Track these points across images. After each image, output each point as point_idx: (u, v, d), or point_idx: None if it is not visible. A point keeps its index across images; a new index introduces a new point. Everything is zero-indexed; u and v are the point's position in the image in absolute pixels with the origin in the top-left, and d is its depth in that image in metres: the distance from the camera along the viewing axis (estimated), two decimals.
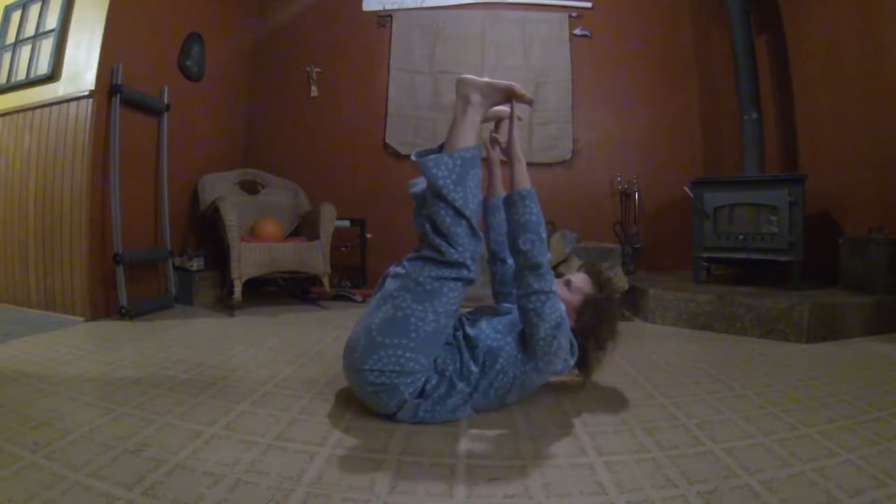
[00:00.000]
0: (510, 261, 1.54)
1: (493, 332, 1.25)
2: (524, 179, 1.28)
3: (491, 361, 1.22)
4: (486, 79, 1.23)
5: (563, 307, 1.22)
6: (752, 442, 1.12)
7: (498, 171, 1.60)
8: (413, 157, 1.20)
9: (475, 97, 1.21)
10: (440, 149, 1.23)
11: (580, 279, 1.38)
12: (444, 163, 1.14)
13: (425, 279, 1.13)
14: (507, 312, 1.36)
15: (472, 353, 1.23)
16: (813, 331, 2.14)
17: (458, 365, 1.21)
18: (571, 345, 1.27)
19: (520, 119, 1.38)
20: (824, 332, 2.16)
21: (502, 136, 1.41)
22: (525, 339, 1.22)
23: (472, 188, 1.16)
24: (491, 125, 1.50)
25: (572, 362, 1.29)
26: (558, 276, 1.38)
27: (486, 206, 1.59)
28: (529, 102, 1.26)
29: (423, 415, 1.19)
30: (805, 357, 1.92)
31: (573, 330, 1.31)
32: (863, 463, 1.01)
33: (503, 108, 1.36)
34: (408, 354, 1.13)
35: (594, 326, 1.32)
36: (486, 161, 1.54)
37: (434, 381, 1.19)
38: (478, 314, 1.39)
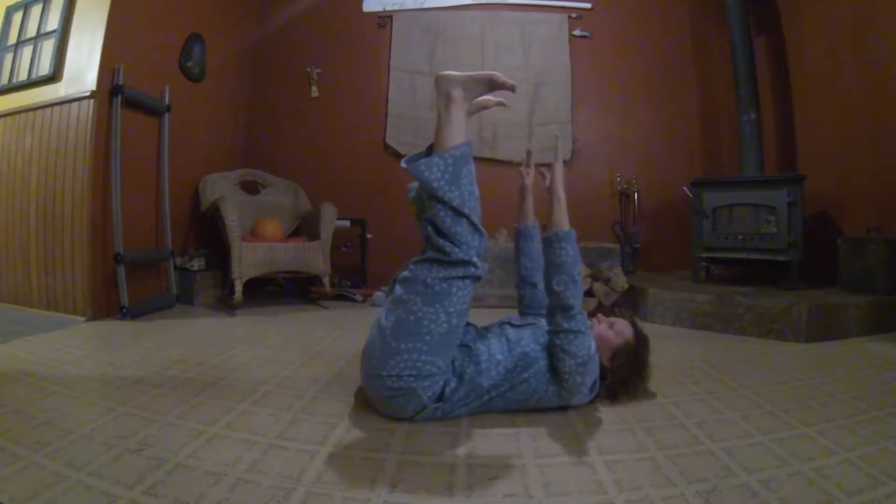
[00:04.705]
0: (540, 285, 1.58)
1: (534, 343, 1.27)
2: (563, 220, 1.32)
3: (523, 367, 1.23)
4: (464, 72, 1.22)
5: (592, 346, 1.23)
6: (751, 441, 1.13)
7: (529, 198, 1.65)
8: (403, 164, 1.18)
9: (457, 93, 1.20)
10: (429, 150, 1.22)
11: (623, 325, 1.40)
12: (435, 164, 1.13)
13: (433, 281, 1.12)
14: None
15: (507, 352, 1.25)
16: (811, 330, 2.15)
17: (483, 366, 1.22)
18: (594, 381, 1.28)
19: (505, 105, 1.42)
20: (823, 332, 2.17)
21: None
22: (553, 367, 1.24)
23: (467, 185, 1.15)
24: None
25: (589, 398, 1.30)
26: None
27: (518, 233, 1.66)
28: (511, 89, 1.25)
29: (440, 415, 1.21)
30: (803, 356, 1.93)
31: (605, 368, 1.33)
32: (861, 462, 1.02)
33: (488, 99, 1.36)
34: (423, 357, 1.13)
35: (628, 377, 1.34)
36: (518, 188, 1.65)
37: (453, 385, 1.20)
38: (523, 322, 1.41)
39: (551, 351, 1.24)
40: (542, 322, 1.42)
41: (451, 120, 1.19)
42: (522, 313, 1.64)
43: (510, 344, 1.27)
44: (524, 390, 1.24)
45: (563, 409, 1.32)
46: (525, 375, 1.23)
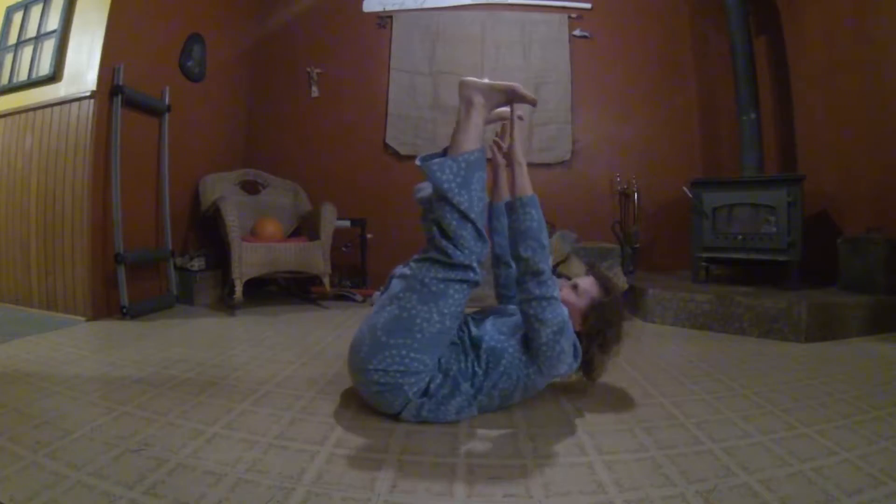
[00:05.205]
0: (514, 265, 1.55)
1: (497, 334, 1.27)
2: (525, 185, 1.28)
3: (494, 362, 1.22)
4: (487, 80, 1.23)
5: (565, 312, 1.22)
6: (751, 441, 1.13)
7: (503, 175, 1.61)
8: (417, 163, 1.20)
9: (478, 99, 1.21)
10: (445, 152, 1.23)
11: (587, 283, 1.37)
12: (448, 166, 1.15)
13: (431, 280, 1.13)
14: (513, 314, 1.36)
15: (476, 354, 1.24)
16: (811, 330, 2.15)
17: (462, 365, 1.22)
18: (575, 348, 1.27)
19: (521, 118, 1.40)
20: (822, 332, 2.17)
21: (504, 141, 1.43)
22: (528, 343, 1.22)
23: (477, 191, 1.16)
24: (496, 127, 1.52)
25: (576, 366, 1.29)
26: (559, 276, 1.39)
27: (491, 210, 1.61)
28: (532, 103, 1.27)
29: (426, 414, 1.19)
30: (803, 356, 1.92)
31: (579, 333, 1.31)
32: (861, 462, 1.02)
33: (506, 110, 1.37)
34: (412, 355, 1.13)
35: (600, 331, 1.31)
36: (491, 164, 1.56)
37: (438, 381, 1.19)
38: (484, 315, 1.40)
39: (525, 323, 1.22)
40: (506, 308, 1.42)
41: (469, 125, 1.20)
42: (498, 295, 1.62)
43: (474, 341, 1.27)
44: (506, 383, 1.23)
45: (562, 408, 1.32)
46: (500, 369, 1.22)
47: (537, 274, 1.20)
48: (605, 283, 1.38)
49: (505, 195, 1.59)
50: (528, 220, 1.23)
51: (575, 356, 1.27)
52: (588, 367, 1.35)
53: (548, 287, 1.19)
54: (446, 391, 1.19)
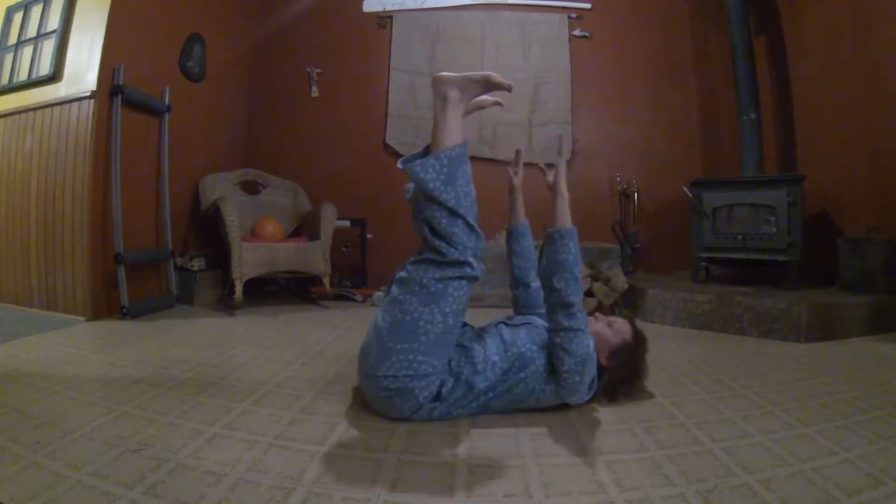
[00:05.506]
0: (534, 284, 1.58)
1: (529, 342, 1.27)
2: (566, 217, 1.30)
3: (519, 367, 1.23)
4: (460, 73, 1.22)
5: (591, 345, 1.23)
6: (751, 441, 1.13)
7: (519, 198, 1.63)
8: (399, 165, 1.19)
9: (453, 93, 1.20)
10: (426, 151, 1.22)
11: (623, 324, 1.40)
12: (430, 165, 1.14)
13: (429, 281, 1.13)
14: (540, 326, 1.37)
15: (503, 356, 1.24)
16: (811, 330, 2.15)
17: (478, 366, 1.22)
18: (592, 380, 1.28)
19: (502, 105, 1.43)
20: (822, 332, 2.17)
21: (520, 169, 1.50)
22: (552, 365, 1.24)
23: (462, 186, 1.16)
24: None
25: (587, 398, 1.31)
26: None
27: (510, 233, 1.64)
28: (508, 89, 1.25)
29: (437, 415, 1.21)
30: (803, 357, 1.93)
31: (602, 367, 1.32)
32: (861, 462, 1.02)
33: (485, 98, 1.36)
34: (420, 358, 1.13)
35: (625, 376, 1.35)
36: (509, 189, 1.63)
37: (450, 385, 1.20)
38: (515, 323, 1.41)
39: (550, 350, 1.24)
40: (537, 321, 1.42)
41: (447, 121, 1.19)
42: (518, 314, 1.63)
43: (506, 344, 1.27)
44: (521, 390, 1.24)
45: (563, 409, 1.32)
46: (522, 375, 1.23)
47: (567, 306, 1.21)
48: (637, 332, 1.40)
49: (521, 218, 1.64)
50: (566, 252, 1.25)
51: (590, 387, 1.29)
52: (594, 399, 1.36)
53: (576, 319, 1.20)
54: (458, 395, 1.20)
